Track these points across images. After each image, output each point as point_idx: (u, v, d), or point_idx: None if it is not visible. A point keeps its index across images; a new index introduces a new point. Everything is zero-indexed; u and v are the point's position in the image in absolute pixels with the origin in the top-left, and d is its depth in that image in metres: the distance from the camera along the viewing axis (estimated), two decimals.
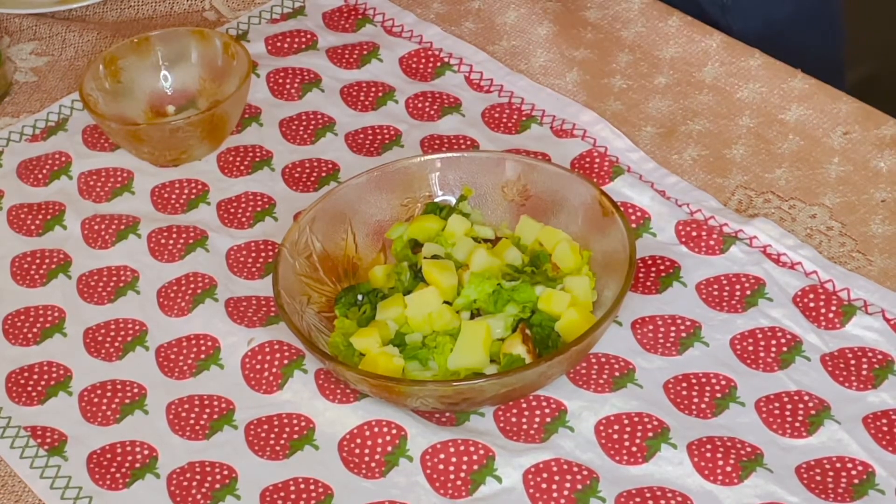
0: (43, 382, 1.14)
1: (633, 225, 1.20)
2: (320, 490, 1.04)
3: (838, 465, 1.01)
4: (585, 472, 1.03)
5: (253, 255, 1.22)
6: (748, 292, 1.13)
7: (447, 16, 1.44)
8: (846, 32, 1.76)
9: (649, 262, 1.17)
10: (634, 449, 1.04)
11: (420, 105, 1.34)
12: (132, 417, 1.11)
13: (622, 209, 1.13)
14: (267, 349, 1.13)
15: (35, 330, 1.19)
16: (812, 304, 1.12)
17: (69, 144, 1.36)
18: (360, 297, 1.14)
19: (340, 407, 1.08)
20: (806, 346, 1.09)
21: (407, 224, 1.17)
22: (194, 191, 1.29)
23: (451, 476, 1.04)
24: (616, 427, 1.05)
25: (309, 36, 1.44)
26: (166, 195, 1.29)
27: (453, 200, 1.19)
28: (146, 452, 1.08)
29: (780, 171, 1.24)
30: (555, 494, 1.02)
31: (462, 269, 1.12)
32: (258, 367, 1.12)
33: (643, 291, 1.15)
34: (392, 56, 1.40)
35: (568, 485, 1.02)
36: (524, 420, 1.07)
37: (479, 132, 1.31)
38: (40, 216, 1.29)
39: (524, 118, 1.31)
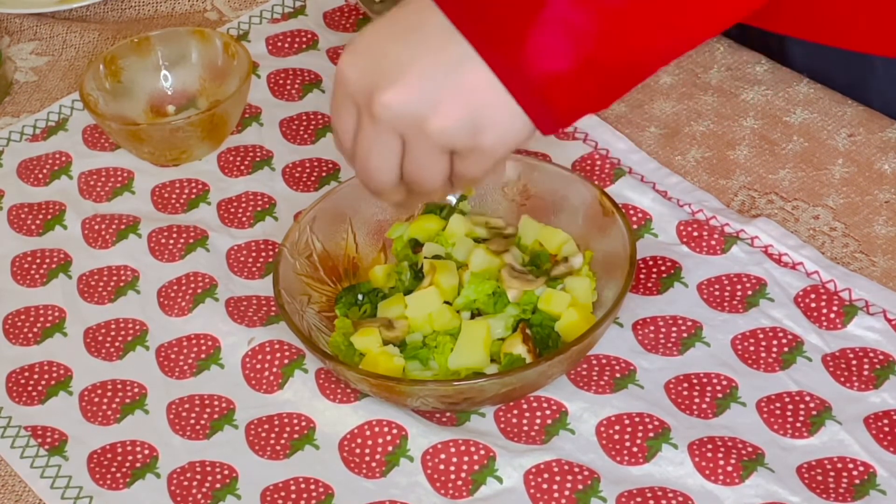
0: (43, 382, 1.14)
1: (635, 226, 1.19)
2: (321, 490, 1.04)
3: (839, 465, 1.01)
4: (586, 473, 1.02)
5: (253, 254, 1.22)
6: (749, 292, 1.13)
7: None
8: None
9: (650, 262, 1.17)
10: (635, 449, 1.04)
11: None
12: (132, 417, 1.11)
13: (623, 210, 1.13)
14: (267, 349, 1.13)
15: (35, 330, 1.18)
16: (813, 305, 1.11)
17: (69, 144, 1.36)
18: (360, 296, 1.14)
19: (341, 407, 1.08)
20: (807, 346, 1.09)
21: (407, 224, 1.17)
22: (194, 191, 1.29)
23: (452, 476, 1.04)
24: (617, 427, 1.05)
25: (310, 35, 1.44)
26: (166, 195, 1.29)
27: (453, 200, 1.18)
28: (146, 452, 1.08)
29: (783, 173, 1.24)
30: (556, 495, 1.02)
31: (462, 269, 1.12)
32: (258, 366, 1.12)
33: (644, 292, 1.14)
34: None
35: (569, 485, 1.02)
36: (525, 421, 1.06)
37: None
38: (40, 216, 1.29)
39: None
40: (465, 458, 1.04)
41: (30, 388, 1.14)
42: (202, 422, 1.09)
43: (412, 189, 0.99)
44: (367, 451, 1.06)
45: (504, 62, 0.90)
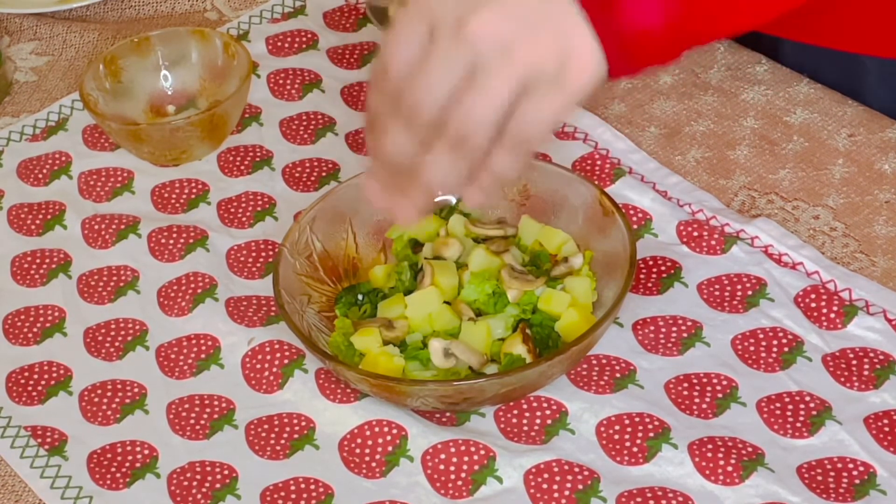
0: (43, 382, 1.14)
1: (635, 226, 1.19)
2: (321, 490, 1.04)
3: (839, 465, 1.01)
4: (586, 473, 1.02)
5: (253, 254, 1.22)
6: (749, 292, 1.13)
7: None
8: None
9: (650, 262, 1.17)
10: (635, 449, 1.04)
11: None
12: (132, 417, 1.11)
13: (623, 210, 1.13)
14: (267, 349, 1.13)
15: (35, 330, 1.18)
16: (813, 305, 1.11)
17: (69, 144, 1.36)
18: (360, 296, 1.14)
19: (341, 407, 1.08)
20: (807, 346, 1.09)
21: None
22: (194, 191, 1.29)
23: (452, 476, 1.04)
24: (617, 427, 1.05)
25: (310, 35, 1.44)
26: (166, 195, 1.29)
27: (453, 200, 1.18)
28: (146, 452, 1.08)
29: (783, 172, 1.24)
30: (556, 495, 1.01)
31: (462, 269, 1.12)
32: (258, 366, 1.12)
33: (644, 292, 1.14)
34: None
35: (569, 485, 1.02)
36: (525, 421, 1.06)
37: None
38: (40, 216, 1.29)
39: None
40: (465, 458, 1.04)
41: (30, 388, 1.14)
42: (202, 422, 1.09)
43: (421, 178, 0.93)
44: (367, 451, 1.06)
45: (600, 10, 0.88)
